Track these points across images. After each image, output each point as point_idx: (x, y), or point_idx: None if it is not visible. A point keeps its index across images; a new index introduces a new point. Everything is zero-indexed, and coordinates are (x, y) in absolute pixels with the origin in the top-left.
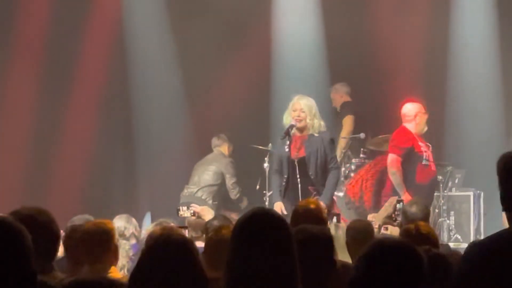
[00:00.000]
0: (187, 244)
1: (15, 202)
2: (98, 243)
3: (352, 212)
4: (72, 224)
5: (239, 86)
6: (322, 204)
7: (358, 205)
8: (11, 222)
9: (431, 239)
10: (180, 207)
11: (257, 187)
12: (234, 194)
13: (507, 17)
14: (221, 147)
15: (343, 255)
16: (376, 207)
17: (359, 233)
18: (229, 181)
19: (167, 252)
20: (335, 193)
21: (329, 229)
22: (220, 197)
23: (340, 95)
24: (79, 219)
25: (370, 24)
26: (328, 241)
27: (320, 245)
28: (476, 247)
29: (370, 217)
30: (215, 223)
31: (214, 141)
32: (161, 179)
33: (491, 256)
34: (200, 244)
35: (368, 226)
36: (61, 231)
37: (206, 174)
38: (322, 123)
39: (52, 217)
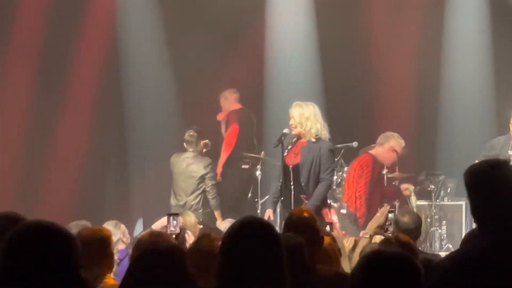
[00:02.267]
0: (176, 252)
1: (7, 207)
2: (94, 250)
3: (357, 229)
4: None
5: None
6: None
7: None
8: (61, 228)
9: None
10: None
11: (249, 195)
12: (211, 195)
13: (500, 21)
14: (198, 146)
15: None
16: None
17: None
18: (208, 182)
19: (156, 260)
20: (340, 210)
21: (299, 237)
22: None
23: (229, 102)
24: (75, 225)
25: (364, 29)
26: (298, 248)
27: (291, 254)
28: (434, 269)
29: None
30: None
31: (188, 138)
32: (154, 186)
33: (449, 277)
34: None
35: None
36: None
37: (191, 180)
38: (324, 130)
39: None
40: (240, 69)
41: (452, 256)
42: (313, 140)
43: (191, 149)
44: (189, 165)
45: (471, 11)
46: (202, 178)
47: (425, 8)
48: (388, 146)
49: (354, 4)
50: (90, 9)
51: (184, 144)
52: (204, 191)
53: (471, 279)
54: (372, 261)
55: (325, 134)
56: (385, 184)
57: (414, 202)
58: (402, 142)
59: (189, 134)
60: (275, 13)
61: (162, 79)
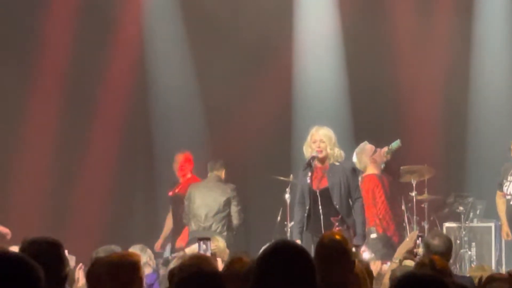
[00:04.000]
0: (219, 276)
1: (36, 231)
2: (123, 275)
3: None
4: (97, 256)
5: (260, 116)
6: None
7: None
8: (23, 258)
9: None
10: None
11: (278, 218)
12: (238, 220)
13: None
14: (219, 172)
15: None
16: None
17: None
18: (235, 207)
19: (201, 284)
20: (370, 235)
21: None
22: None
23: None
24: (104, 250)
25: (392, 54)
26: None
27: None
28: None
29: None
30: None
31: (212, 165)
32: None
33: None
34: None
35: None
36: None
37: (215, 203)
38: (342, 152)
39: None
40: (268, 94)
41: None
42: (337, 163)
43: (212, 174)
44: (212, 189)
45: (499, 25)
46: (228, 201)
47: (452, 24)
48: (369, 160)
49: (381, 21)
50: (117, 32)
51: (208, 166)
52: (228, 215)
53: None
54: (405, 283)
55: (343, 156)
56: (389, 178)
57: (395, 144)
58: (362, 144)
59: (216, 161)
60: (303, 33)
61: (190, 101)
